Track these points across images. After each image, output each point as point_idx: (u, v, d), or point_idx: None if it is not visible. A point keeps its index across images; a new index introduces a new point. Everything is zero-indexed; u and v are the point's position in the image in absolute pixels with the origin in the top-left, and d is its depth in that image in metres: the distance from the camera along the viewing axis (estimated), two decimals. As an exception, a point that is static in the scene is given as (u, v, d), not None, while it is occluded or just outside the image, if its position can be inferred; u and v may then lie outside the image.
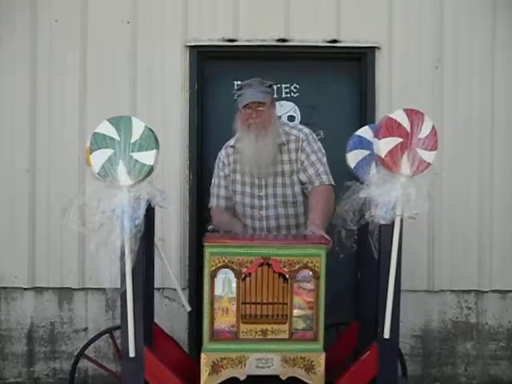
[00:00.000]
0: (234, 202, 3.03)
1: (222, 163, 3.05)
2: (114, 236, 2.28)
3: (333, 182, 2.89)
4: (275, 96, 3.72)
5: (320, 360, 2.37)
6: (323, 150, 2.97)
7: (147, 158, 2.31)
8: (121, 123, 2.32)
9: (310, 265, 2.34)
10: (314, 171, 2.90)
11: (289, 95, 3.88)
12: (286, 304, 2.35)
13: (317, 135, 3.08)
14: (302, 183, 2.93)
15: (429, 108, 3.54)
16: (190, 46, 3.72)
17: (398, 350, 2.68)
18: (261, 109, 2.84)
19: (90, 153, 2.32)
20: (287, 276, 2.34)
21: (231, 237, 2.73)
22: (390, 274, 2.39)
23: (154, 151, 2.32)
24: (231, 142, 3.04)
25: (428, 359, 3.79)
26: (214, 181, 3.09)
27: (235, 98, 2.93)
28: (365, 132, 2.84)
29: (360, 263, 2.98)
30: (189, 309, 2.96)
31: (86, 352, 3.10)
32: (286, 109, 3.86)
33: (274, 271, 2.34)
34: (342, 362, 2.77)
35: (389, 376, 2.45)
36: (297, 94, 3.88)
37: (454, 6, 3.71)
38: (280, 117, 3.77)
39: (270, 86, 2.94)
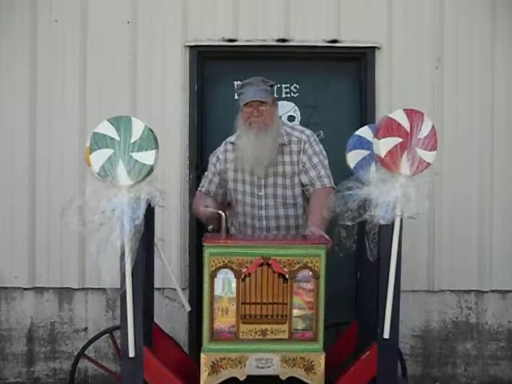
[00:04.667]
0: (231, 200, 3.03)
1: (216, 158, 3.06)
2: (113, 236, 2.28)
3: (334, 185, 2.88)
4: (276, 96, 3.74)
5: (320, 360, 2.38)
6: (325, 153, 2.97)
7: (147, 158, 2.31)
8: (121, 123, 2.32)
9: (309, 265, 2.35)
10: (316, 173, 2.90)
11: (289, 95, 3.88)
12: (286, 304, 2.35)
13: (317, 135, 3.08)
14: (303, 185, 2.93)
15: (429, 108, 3.54)
16: (190, 46, 3.72)
17: (398, 349, 2.68)
18: (262, 108, 2.84)
19: (90, 153, 2.32)
20: (287, 276, 2.34)
21: (231, 237, 2.73)
22: (390, 274, 2.40)
23: (154, 151, 2.32)
24: (232, 138, 3.04)
25: (428, 359, 3.78)
26: (205, 174, 3.13)
27: (237, 96, 2.93)
28: (364, 132, 2.84)
29: (360, 263, 2.98)
30: (189, 309, 2.96)
31: (86, 352, 3.11)
32: (286, 109, 3.86)
33: (274, 271, 2.35)
34: (342, 362, 2.77)
35: (388, 376, 2.46)
36: (297, 94, 3.88)
37: (454, 5, 3.71)
38: (280, 117, 3.77)
39: (272, 85, 2.94)
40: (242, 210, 3.00)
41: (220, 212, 2.58)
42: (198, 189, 3.16)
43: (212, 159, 3.09)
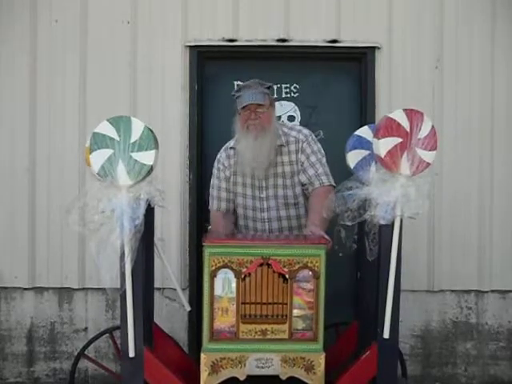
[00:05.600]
0: (235, 204, 3.02)
1: (223, 165, 3.03)
2: (113, 236, 2.28)
3: (333, 183, 2.88)
4: (275, 96, 3.74)
5: (320, 360, 2.37)
6: (323, 151, 2.97)
7: (147, 158, 2.31)
8: (120, 123, 2.32)
9: (309, 265, 2.34)
10: (314, 172, 2.89)
11: (289, 95, 3.88)
12: (286, 304, 2.35)
13: (317, 135, 3.09)
14: (302, 184, 2.93)
15: (429, 108, 3.55)
16: (190, 46, 3.72)
17: (398, 349, 2.68)
18: (260, 110, 2.83)
19: (90, 153, 2.32)
20: (287, 276, 2.34)
21: (231, 237, 2.73)
22: (390, 273, 2.39)
23: (154, 151, 2.32)
24: (231, 143, 3.03)
25: (428, 359, 3.78)
26: (214, 182, 3.06)
27: (234, 99, 2.92)
28: (364, 132, 2.84)
29: (360, 263, 2.98)
30: (188, 309, 2.96)
31: (86, 352, 3.11)
32: (286, 109, 3.86)
33: (274, 271, 2.34)
34: (342, 362, 2.77)
35: (388, 376, 2.45)
36: (297, 94, 3.88)
37: (454, 5, 3.71)
38: (280, 117, 3.78)
39: (269, 87, 2.93)
40: (243, 212, 2.99)
41: None
42: (212, 206, 3.05)
43: (219, 167, 3.05)
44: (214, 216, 3.06)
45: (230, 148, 3.02)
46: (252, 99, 2.80)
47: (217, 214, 3.04)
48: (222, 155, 3.06)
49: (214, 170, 3.08)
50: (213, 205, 3.06)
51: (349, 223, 2.40)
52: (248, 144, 2.83)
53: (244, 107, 2.83)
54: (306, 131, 2.99)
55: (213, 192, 3.07)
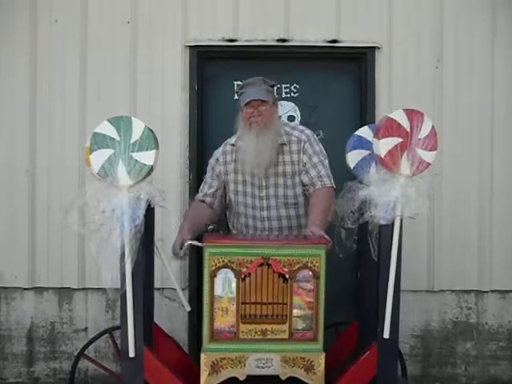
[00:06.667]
0: (231, 202, 3.02)
1: (215, 160, 3.04)
2: (114, 236, 2.28)
3: (334, 185, 2.88)
4: (276, 96, 3.74)
5: (320, 360, 2.37)
6: (325, 152, 2.96)
7: (147, 158, 2.31)
8: (121, 123, 2.32)
9: (309, 265, 2.34)
10: (316, 173, 2.89)
11: (289, 95, 3.88)
12: (286, 304, 2.35)
13: (317, 135, 3.08)
14: (303, 185, 2.93)
15: (429, 108, 3.54)
16: (190, 46, 3.72)
17: (398, 349, 2.68)
18: (263, 108, 2.82)
19: (90, 153, 2.32)
20: (287, 276, 2.34)
21: (231, 237, 2.73)
22: (390, 273, 2.40)
23: (154, 151, 2.32)
24: (232, 139, 3.03)
25: (428, 359, 3.78)
26: (205, 176, 3.09)
27: (237, 96, 2.92)
28: (364, 132, 2.84)
29: (360, 263, 2.99)
30: (188, 309, 2.95)
31: (86, 352, 3.10)
32: (286, 109, 3.86)
33: (274, 271, 2.35)
34: (342, 362, 2.77)
35: (388, 376, 2.46)
36: (297, 94, 3.88)
37: (454, 5, 3.71)
38: (280, 117, 3.77)
39: (273, 85, 2.94)
40: (243, 211, 2.99)
41: (195, 243, 2.63)
42: (197, 196, 3.11)
43: (211, 162, 3.07)
44: (194, 202, 3.08)
45: (230, 144, 3.02)
46: (256, 95, 2.80)
47: (197, 202, 3.06)
48: (219, 150, 3.06)
49: (208, 166, 3.10)
50: (198, 195, 3.09)
51: (351, 226, 2.40)
52: (250, 141, 2.82)
53: (247, 104, 2.82)
54: (308, 131, 2.99)
55: (203, 185, 3.08)
